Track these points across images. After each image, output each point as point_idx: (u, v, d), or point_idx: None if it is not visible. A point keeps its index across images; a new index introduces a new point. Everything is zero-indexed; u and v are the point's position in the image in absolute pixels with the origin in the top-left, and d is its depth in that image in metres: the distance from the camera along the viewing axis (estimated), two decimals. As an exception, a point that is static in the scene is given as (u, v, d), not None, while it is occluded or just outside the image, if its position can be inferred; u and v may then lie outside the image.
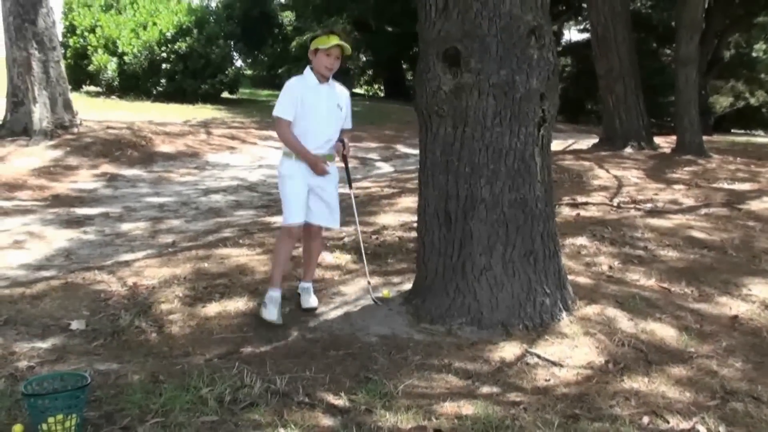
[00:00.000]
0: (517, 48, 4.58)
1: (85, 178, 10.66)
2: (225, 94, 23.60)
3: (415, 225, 5.31)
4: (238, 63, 31.44)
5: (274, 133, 15.53)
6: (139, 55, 20.83)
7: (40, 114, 12.12)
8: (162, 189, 10.39)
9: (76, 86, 20.44)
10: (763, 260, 6.46)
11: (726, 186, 10.09)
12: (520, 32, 4.57)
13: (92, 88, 21.96)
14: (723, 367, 4.26)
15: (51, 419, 3.08)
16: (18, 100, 12.17)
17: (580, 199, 8.75)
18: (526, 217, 4.75)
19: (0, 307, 4.89)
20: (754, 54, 31.12)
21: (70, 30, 22.08)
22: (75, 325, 4.67)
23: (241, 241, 6.75)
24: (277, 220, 7.93)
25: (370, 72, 39.53)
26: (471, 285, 4.73)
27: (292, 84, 4.82)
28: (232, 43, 25.46)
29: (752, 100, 32.80)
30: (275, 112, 4.79)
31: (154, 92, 21.01)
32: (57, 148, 11.87)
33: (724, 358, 4.40)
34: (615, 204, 8.50)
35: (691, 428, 3.47)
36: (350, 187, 5.36)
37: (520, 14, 4.57)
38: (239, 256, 6.22)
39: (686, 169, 11.63)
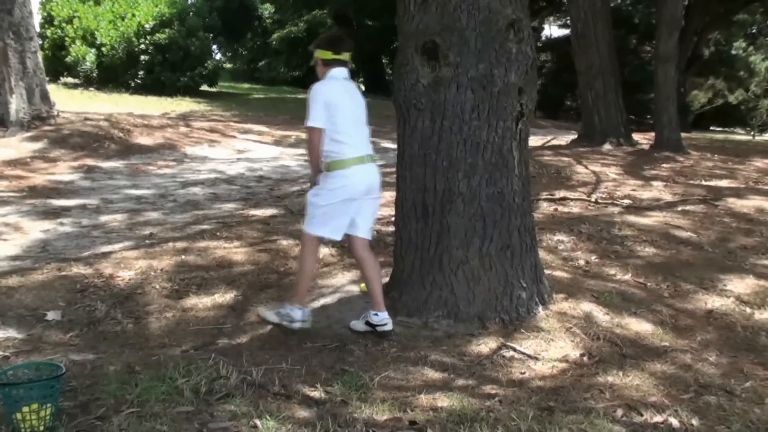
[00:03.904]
0: (496, 42, 4.59)
1: (62, 170, 10.57)
2: (204, 87, 23.51)
3: (393, 219, 5.31)
4: (218, 56, 31.36)
5: (253, 127, 15.57)
6: (117, 46, 20.68)
7: (16, 105, 12.00)
8: (140, 181, 10.33)
9: (54, 77, 20.29)
10: (738, 256, 6.52)
11: (703, 183, 10.18)
12: (499, 26, 4.58)
13: (70, 80, 21.80)
14: (697, 361, 4.30)
15: (26, 408, 3.06)
16: (-6, 90, 12.04)
17: (558, 194, 8.79)
18: (504, 211, 4.76)
19: (-26, 297, 4.85)
20: (733, 51, 31.35)
21: (48, 21, 21.91)
22: (51, 315, 4.64)
23: (219, 233, 6.73)
24: (255, 212, 7.91)
25: (351, 67, 39.51)
26: (448, 278, 4.73)
27: None
28: (211, 35, 25.34)
29: (731, 98, 33.04)
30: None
31: (133, 84, 20.89)
32: (34, 139, 11.77)
33: (698, 352, 4.44)
34: (593, 200, 8.56)
35: (664, 421, 3.50)
36: None
37: (499, 8, 4.57)
38: (217, 248, 6.20)
39: (664, 165, 11.72)
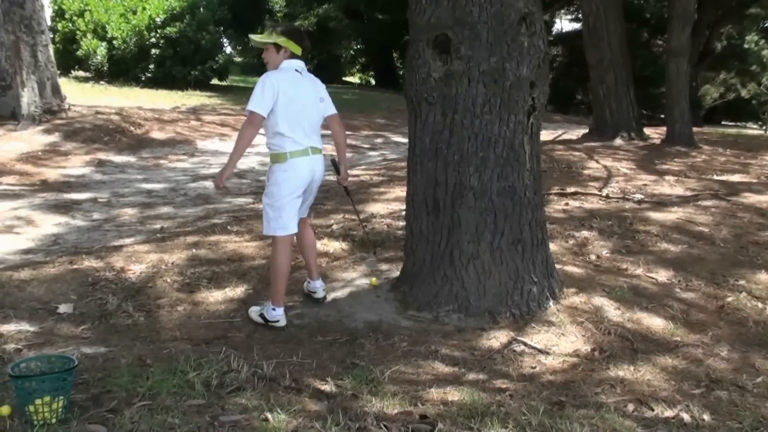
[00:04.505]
0: (508, 35, 4.57)
1: (73, 164, 10.60)
2: (214, 81, 23.49)
3: (404, 213, 5.31)
4: (228, 49, 31.33)
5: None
6: (128, 40, 20.70)
7: (28, 98, 12.03)
8: (151, 175, 10.35)
9: (65, 71, 20.31)
10: (750, 251, 6.49)
11: (716, 177, 10.13)
12: (511, 19, 4.57)
13: (81, 73, 21.81)
14: (708, 356, 4.28)
15: (38, 401, 3.08)
16: (6, 84, 12.08)
17: (570, 189, 8.76)
18: (515, 206, 4.75)
19: (-13, 290, 4.87)
20: (745, 45, 31.13)
21: (59, 14, 21.92)
22: (62, 308, 4.66)
23: (229, 227, 6.75)
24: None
25: (361, 60, 39.47)
26: (458, 273, 4.73)
27: None
28: (222, 29, 25.32)
29: (743, 92, 32.88)
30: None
31: (143, 78, 20.89)
32: (45, 132, 11.80)
33: (709, 347, 4.43)
34: (604, 194, 8.52)
35: (676, 416, 3.49)
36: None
37: (511, 1, 4.56)
38: (228, 242, 6.21)
39: (676, 160, 11.67)
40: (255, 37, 4.77)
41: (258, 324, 4.58)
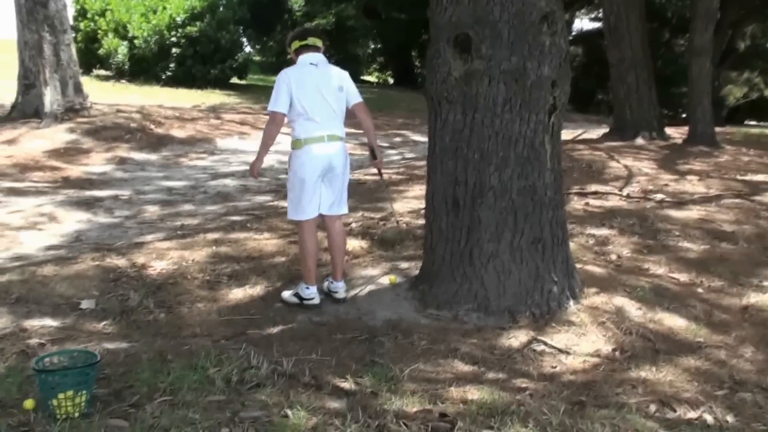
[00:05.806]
0: (529, 34, 4.56)
1: (95, 161, 10.67)
2: (234, 80, 23.56)
3: (424, 212, 5.31)
4: (248, 49, 31.42)
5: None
6: (149, 39, 20.81)
7: (51, 97, 12.13)
8: (171, 173, 10.40)
9: (87, 70, 20.42)
10: (773, 252, 6.43)
11: (738, 177, 10.04)
12: (532, 18, 4.55)
13: (102, 72, 21.95)
14: (732, 357, 4.25)
15: (61, 395, 3.11)
16: (29, 82, 12.19)
17: (590, 188, 8.72)
18: (535, 205, 4.74)
19: (11, 285, 4.92)
20: (769, 45, 30.87)
21: (81, 13, 22.07)
22: (85, 304, 4.70)
23: (249, 224, 6.77)
24: (285, 204, 7.93)
25: (379, 59, 39.47)
26: (478, 271, 4.72)
27: None
28: (241, 28, 25.38)
29: (766, 92, 32.54)
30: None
31: (164, 77, 20.99)
32: (68, 130, 11.88)
33: (733, 348, 4.39)
34: (625, 194, 8.47)
35: (699, 417, 3.46)
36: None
37: (533, 0, 4.54)
38: (248, 239, 6.23)
39: (698, 160, 11.57)
40: None
41: (292, 305, 4.81)
